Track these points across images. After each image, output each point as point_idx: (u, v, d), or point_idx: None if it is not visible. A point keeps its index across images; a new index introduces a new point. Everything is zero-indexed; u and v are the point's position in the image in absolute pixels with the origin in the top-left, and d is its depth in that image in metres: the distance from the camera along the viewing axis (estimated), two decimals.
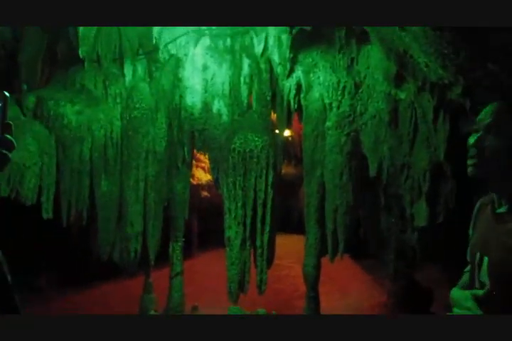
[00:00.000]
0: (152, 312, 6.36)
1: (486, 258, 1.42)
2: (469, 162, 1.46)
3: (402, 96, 5.41)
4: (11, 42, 6.71)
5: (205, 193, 11.47)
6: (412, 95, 5.32)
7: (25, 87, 5.83)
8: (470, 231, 1.60)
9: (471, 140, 1.47)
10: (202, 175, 10.83)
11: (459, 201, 5.49)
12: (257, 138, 5.77)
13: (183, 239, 6.46)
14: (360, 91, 5.61)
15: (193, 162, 10.94)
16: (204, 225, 12.14)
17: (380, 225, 5.94)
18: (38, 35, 6.61)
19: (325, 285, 9.22)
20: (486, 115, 1.45)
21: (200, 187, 11.21)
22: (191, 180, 10.93)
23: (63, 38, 6.39)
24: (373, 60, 5.46)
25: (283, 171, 10.48)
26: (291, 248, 9.86)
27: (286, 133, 9.76)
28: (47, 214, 5.65)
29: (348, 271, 10.11)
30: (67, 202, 5.83)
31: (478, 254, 1.46)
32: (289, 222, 12.72)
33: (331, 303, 8.33)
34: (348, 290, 9.23)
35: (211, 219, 10.11)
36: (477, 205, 1.59)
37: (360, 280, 9.77)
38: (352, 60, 5.62)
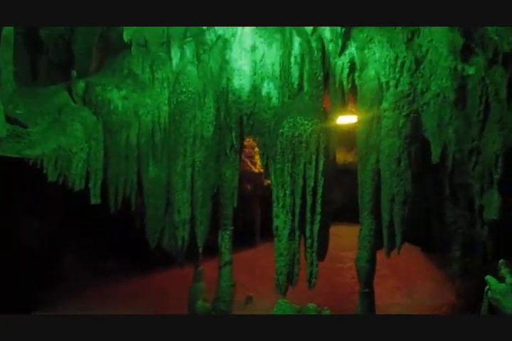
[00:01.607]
0: (200, 302, 6.23)
1: None
2: None
3: (471, 71, 4.83)
4: (68, 32, 6.82)
5: (268, 181, 11.17)
6: (482, 70, 4.74)
7: (74, 73, 5.86)
8: None
9: None
10: None
11: None
12: (306, 122, 5.40)
13: (232, 228, 6.24)
14: (421, 67, 5.06)
15: (256, 149, 10.76)
16: (268, 214, 11.85)
17: (445, 218, 5.34)
18: None
19: (390, 279, 8.62)
20: None
21: (263, 175, 10.95)
22: (253, 167, 10.76)
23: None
24: (436, 31, 4.88)
25: (346, 159, 9.97)
26: (357, 239, 9.33)
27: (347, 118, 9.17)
28: (95, 199, 5.69)
29: (417, 266, 9.36)
30: (114, 188, 5.83)
31: None
32: (356, 211, 12.11)
33: (394, 300, 7.80)
34: (415, 286, 8.58)
35: None
36: None
37: (430, 277, 9.04)
38: (412, 32, 5.06)
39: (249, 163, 10.85)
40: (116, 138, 5.80)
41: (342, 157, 9.52)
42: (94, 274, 8.62)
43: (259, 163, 10.91)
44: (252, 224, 11.15)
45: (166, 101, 6.02)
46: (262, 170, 10.80)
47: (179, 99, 5.96)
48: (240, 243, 8.37)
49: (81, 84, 5.86)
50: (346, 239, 8.83)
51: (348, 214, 10.95)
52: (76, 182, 5.50)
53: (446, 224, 5.40)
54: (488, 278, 3.78)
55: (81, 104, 5.85)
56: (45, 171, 5.26)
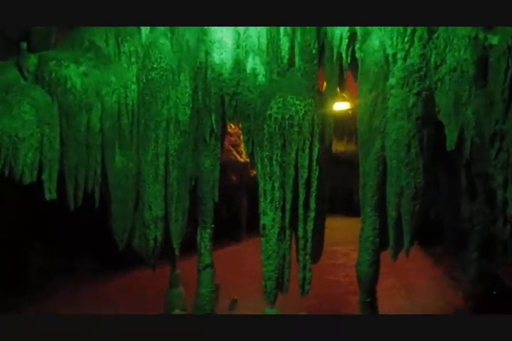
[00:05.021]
0: (177, 311, 5.47)
1: None
2: None
3: (494, 41, 4.20)
4: None
5: (255, 172, 10.54)
6: (510, 38, 4.07)
7: (24, 46, 5.01)
8: None
9: None
10: None
11: None
12: (298, 102, 4.67)
13: (213, 226, 5.46)
14: (435, 36, 4.39)
15: (241, 137, 10.05)
16: (255, 207, 11.18)
17: (461, 214, 4.66)
18: None
19: (387, 278, 7.96)
20: None
21: (249, 165, 10.33)
22: (239, 157, 10.07)
23: None
24: None
25: (337, 148, 9.31)
26: (350, 232, 8.67)
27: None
28: (50, 194, 4.90)
29: (415, 262, 8.72)
30: (73, 181, 5.03)
31: None
32: (349, 204, 11.60)
33: (393, 301, 7.16)
34: (415, 286, 7.95)
35: None
36: None
37: (430, 274, 8.44)
38: None
39: (234, 152, 10.25)
40: (74, 123, 4.99)
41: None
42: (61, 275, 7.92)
43: (244, 151, 10.26)
44: (237, 218, 10.55)
45: (135, 79, 5.24)
46: (248, 160, 10.15)
47: (150, 77, 5.18)
48: (225, 237, 7.62)
49: (33, 60, 5.04)
50: (338, 233, 8.30)
51: (341, 206, 10.45)
52: (25, 173, 4.68)
53: (461, 221, 4.72)
54: None
55: (33, 82, 5.01)
56: None
